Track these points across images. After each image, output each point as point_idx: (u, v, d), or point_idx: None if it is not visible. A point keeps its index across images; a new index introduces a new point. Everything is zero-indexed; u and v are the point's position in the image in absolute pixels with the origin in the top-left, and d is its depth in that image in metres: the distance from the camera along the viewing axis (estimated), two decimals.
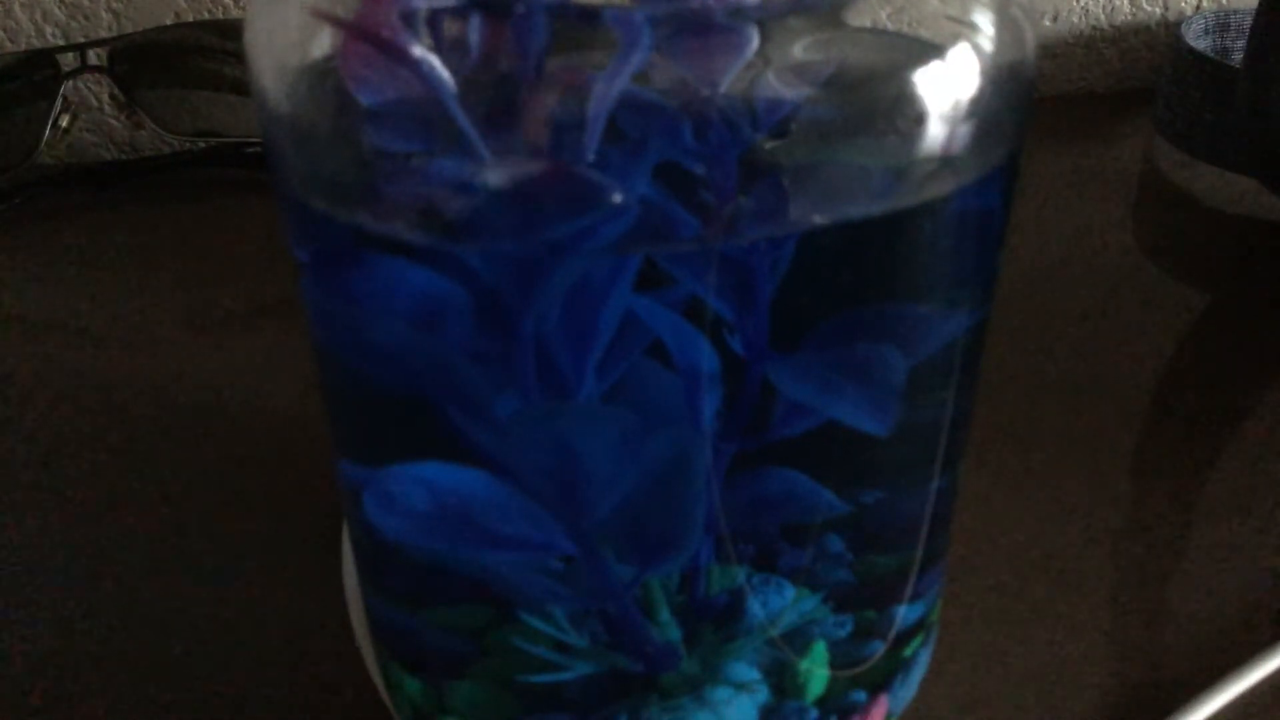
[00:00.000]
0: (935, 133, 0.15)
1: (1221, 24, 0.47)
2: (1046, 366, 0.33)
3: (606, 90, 0.14)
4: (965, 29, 0.16)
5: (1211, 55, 0.43)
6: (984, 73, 0.16)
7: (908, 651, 0.21)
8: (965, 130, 0.16)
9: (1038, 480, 0.29)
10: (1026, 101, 0.17)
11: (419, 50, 0.14)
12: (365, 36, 0.15)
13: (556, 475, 0.16)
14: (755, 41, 0.15)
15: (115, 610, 0.25)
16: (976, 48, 0.16)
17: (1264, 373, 0.33)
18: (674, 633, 0.18)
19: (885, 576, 0.19)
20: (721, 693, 0.18)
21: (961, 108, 0.16)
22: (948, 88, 0.15)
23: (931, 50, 0.16)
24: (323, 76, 0.15)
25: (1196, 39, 0.46)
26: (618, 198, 0.14)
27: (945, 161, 0.16)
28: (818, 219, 0.15)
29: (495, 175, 0.14)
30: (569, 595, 0.18)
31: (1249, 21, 0.38)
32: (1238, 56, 0.46)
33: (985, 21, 0.16)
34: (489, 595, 0.18)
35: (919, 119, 0.15)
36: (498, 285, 0.15)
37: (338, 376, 0.18)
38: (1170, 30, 0.54)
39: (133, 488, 0.29)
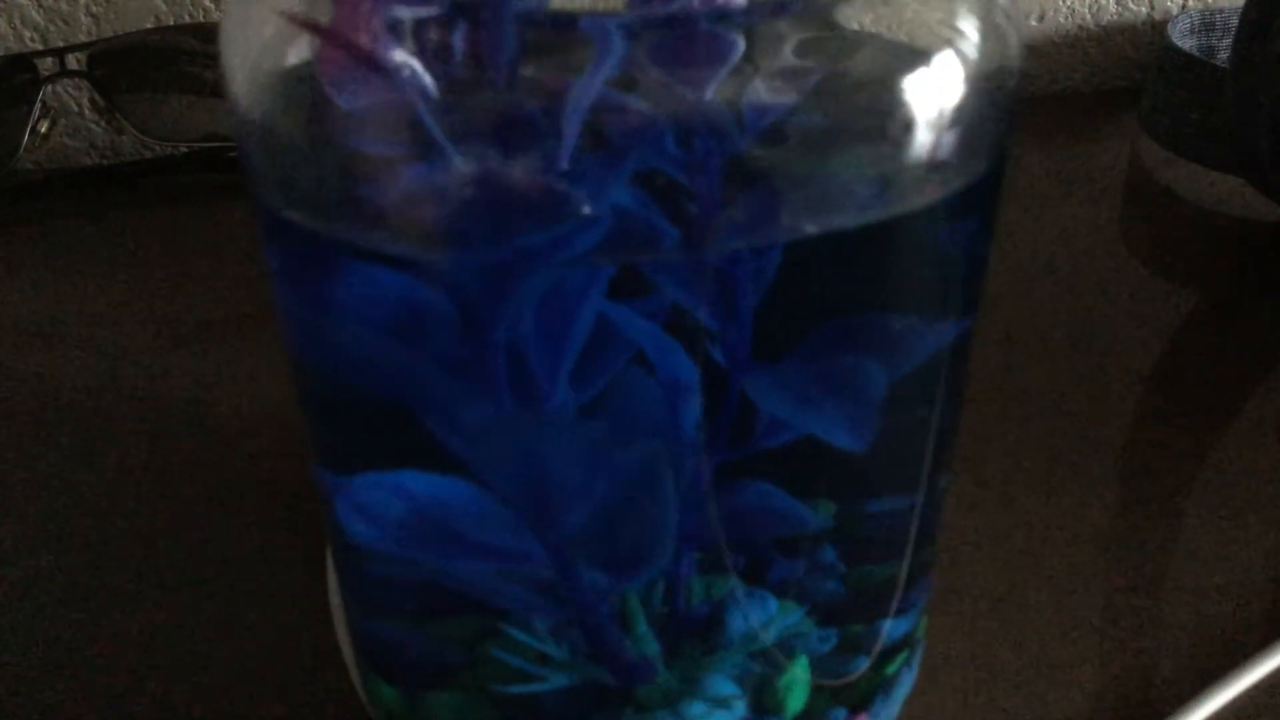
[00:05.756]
0: (919, 140, 0.15)
1: (1207, 23, 0.47)
2: (1033, 367, 0.33)
3: (580, 98, 0.14)
4: (949, 36, 0.16)
5: (1197, 54, 0.42)
6: (968, 80, 0.16)
7: (891, 669, 0.20)
8: (949, 138, 0.15)
9: (1026, 483, 0.29)
10: (1012, 110, 0.17)
11: (391, 56, 0.14)
12: (338, 42, 0.14)
13: (526, 485, 0.16)
14: (740, 48, 0.14)
15: (98, 618, 0.25)
16: (961, 55, 0.16)
17: (1254, 372, 0.33)
18: (651, 645, 0.18)
19: (870, 590, 0.19)
20: (697, 707, 0.18)
21: (946, 115, 0.15)
22: (932, 95, 0.15)
23: (916, 57, 0.15)
24: (296, 82, 0.15)
25: (1182, 38, 0.46)
26: (586, 208, 0.14)
27: (929, 170, 0.16)
28: (799, 228, 0.15)
29: (461, 184, 0.14)
30: (543, 606, 0.18)
31: (1234, 21, 0.38)
32: (1223, 56, 0.46)
33: (970, 28, 0.16)
34: (464, 604, 0.18)
35: (902, 126, 0.15)
36: (466, 293, 0.15)
37: (309, 382, 0.18)
38: (1156, 30, 0.54)
39: (112, 496, 0.29)
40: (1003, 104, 0.17)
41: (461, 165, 0.14)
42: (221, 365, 0.34)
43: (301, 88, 0.15)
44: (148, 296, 0.37)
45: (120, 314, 0.37)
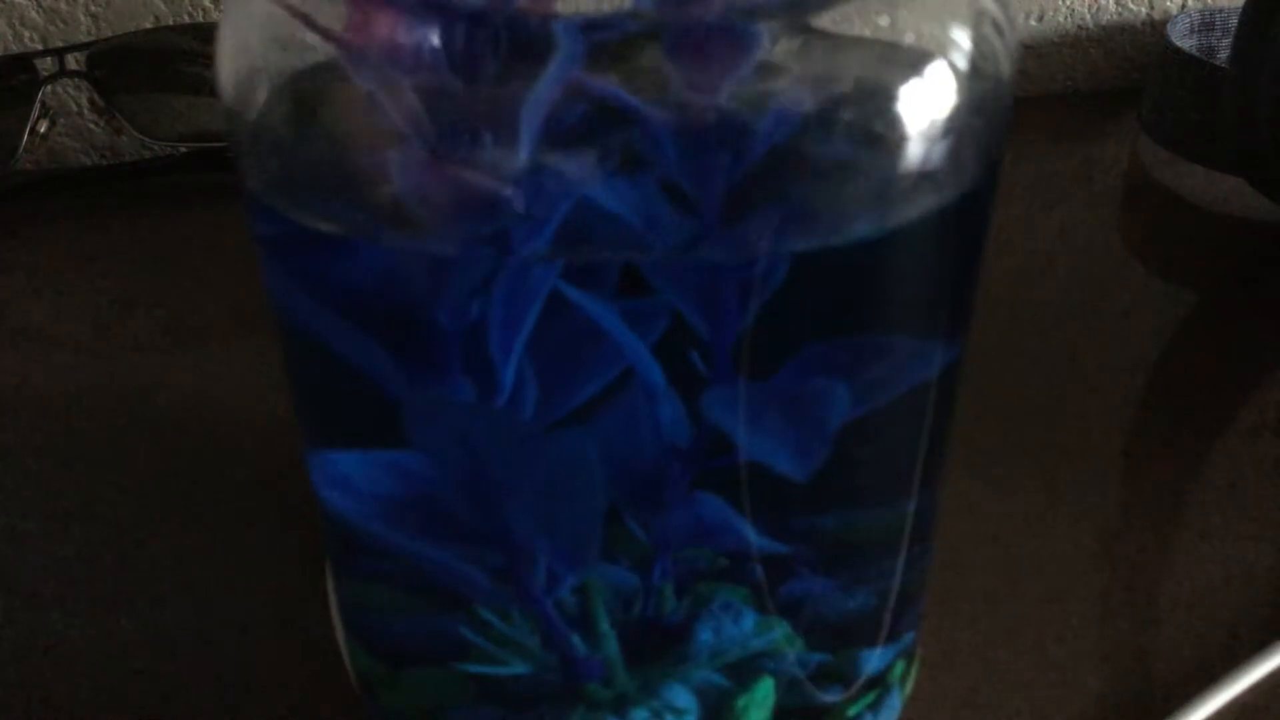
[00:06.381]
0: (907, 151, 0.15)
1: (1207, 23, 0.47)
2: (1032, 367, 0.33)
3: (537, 97, 0.14)
4: (940, 47, 0.15)
5: (1197, 54, 0.42)
6: (959, 91, 0.15)
7: (853, 709, 0.20)
8: (939, 150, 0.15)
9: (1025, 483, 0.29)
10: (1003, 122, 0.17)
11: (372, 49, 0.14)
12: (323, 33, 0.15)
13: (467, 471, 0.16)
14: (759, 49, 0.14)
15: (98, 617, 0.25)
16: (952, 66, 0.15)
17: (1252, 372, 0.33)
18: (611, 646, 0.18)
19: (847, 616, 0.19)
20: (640, 714, 0.18)
21: (936, 126, 0.15)
22: (922, 105, 0.15)
23: (907, 68, 0.15)
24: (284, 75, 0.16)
25: (1182, 38, 0.46)
26: (520, 207, 0.14)
27: (917, 182, 0.15)
28: (782, 240, 0.15)
29: (404, 174, 0.14)
30: (496, 592, 0.18)
31: (1234, 21, 0.38)
32: (1223, 55, 0.46)
33: (961, 38, 0.16)
34: (434, 582, 0.18)
35: (891, 136, 0.15)
36: (416, 280, 0.15)
37: (291, 354, 0.18)
38: (1156, 29, 0.54)
39: (113, 497, 0.29)
40: (993, 116, 0.16)
41: (411, 156, 0.14)
42: (221, 365, 0.34)
43: (287, 82, 0.15)
44: (148, 296, 0.37)
45: (120, 315, 0.37)
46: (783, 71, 0.15)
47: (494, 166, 0.14)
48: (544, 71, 0.14)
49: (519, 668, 0.18)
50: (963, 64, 0.16)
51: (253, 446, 0.30)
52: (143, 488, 0.29)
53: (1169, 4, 0.53)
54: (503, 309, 0.15)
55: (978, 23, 0.16)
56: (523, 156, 0.14)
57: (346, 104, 0.15)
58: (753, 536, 0.17)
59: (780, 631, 0.18)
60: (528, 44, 0.14)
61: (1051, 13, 0.53)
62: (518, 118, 0.14)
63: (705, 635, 0.18)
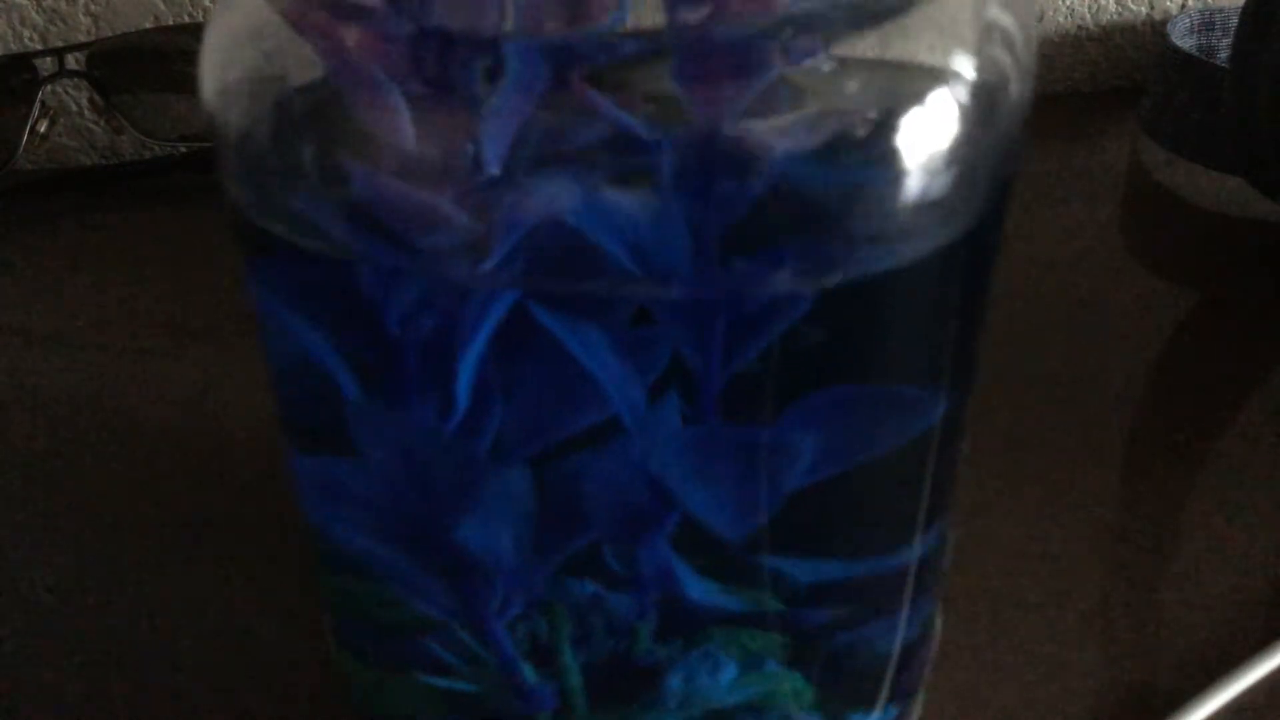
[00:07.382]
0: (907, 185, 0.14)
1: (1207, 23, 0.47)
2: (1033, 367, 0.33)
3: (500, 117, 0.14)
4: (942, 74, 0.15)
5: (1197, 54, 0.42)
6: (961, 121, 0.14)
7: None
8: (940, 183, 0.14)
9: (1026, 482, 0.29)
10: (1012, 150, 0.15)
11: (348, 56, 0.14)
12: (303, 31, 0.14)
13: (406, 489, 0.16)
14: (761, 76, 0.14)
15: (102, 616, 0.25)
16: (954, 95, 0.14)
17: (1253, 372, 0.33)
18: (573, 678, 0.17)
19: (841, 674, 0.18)
20: None
21: (937, 158, 0.14)
22: (923, 136, 0.14)
23: (908, 96, 0.14)
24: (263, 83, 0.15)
25: (1182, 38, 0.46)
26: (471, 225, 0.14)
27: (917, 217, 0.14)
28: (771, 278, 0.14)
29: (361, 187, 0.14)
30: (449, 610, 0.17)
31: (1234, 20, 0.38)
32: (1223, 55, 0.46)
33: (965, 67, 0.15)
34: (403, 594, 0.18)
35: (889, 169, 0.14)
36: (372, 296, 0.15)
37: (272, 364, 0.18)
38: (1156, 29, 0.53)
39: (117, 497, 0.29)
40: (1002, 142, 0.15)
41: (368, 169, 0.14)
42: (221, 365, 0.34)
43: (259, 88, 0.15)
44: (148, 296, 0.37)
45: (120, 314, 0.37)
46: (779, 99, 0.14)
47: (455, 185, 0.14)
48: (499, 92, 0.14)
49: (480, 687, 0.18)
50: (966, 90, 0.15)
51: (253, 446, 0.30)
52: (143, 488, 0.29)
53: (1169, 4, 0.53)
54: (457, 329, 0.15)
55: (984, 43, 0.15)
56: (487, 175, 0.14)
57: (323, 116, 0.15)
58: (728, 600, 0.16)
59: (763, 688, 0.17)
60: (489, 64, 0.14)
61: (1051, 13, 0.53)
62: (484, 137, 0.14)
63: (675, 683, 0.17)
